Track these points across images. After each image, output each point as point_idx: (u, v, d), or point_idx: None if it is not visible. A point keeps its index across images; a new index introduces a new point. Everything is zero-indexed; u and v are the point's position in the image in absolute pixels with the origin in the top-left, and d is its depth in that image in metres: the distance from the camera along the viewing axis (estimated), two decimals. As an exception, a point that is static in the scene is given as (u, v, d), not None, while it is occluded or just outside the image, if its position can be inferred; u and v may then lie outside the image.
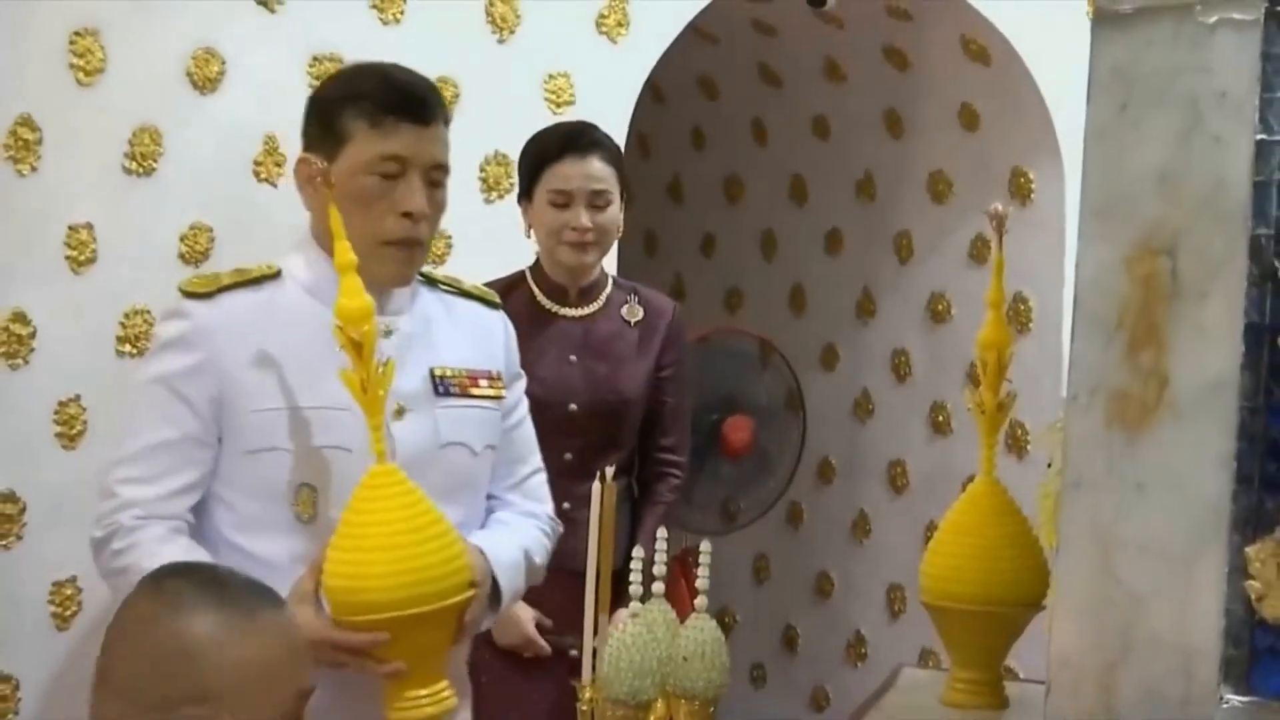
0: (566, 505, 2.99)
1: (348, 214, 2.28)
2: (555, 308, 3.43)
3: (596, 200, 3.34)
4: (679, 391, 3.56)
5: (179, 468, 2.32)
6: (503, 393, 2.56)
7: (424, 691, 2.27)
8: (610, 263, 4.00)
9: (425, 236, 2.42)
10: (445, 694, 2.29)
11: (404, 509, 2.24)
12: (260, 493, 2.34)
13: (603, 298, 3.47)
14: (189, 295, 2.37)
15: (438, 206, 2.42)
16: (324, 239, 2.35)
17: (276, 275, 2.42)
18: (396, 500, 2.24)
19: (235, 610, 1.69)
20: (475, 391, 2.51)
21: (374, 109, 2.35)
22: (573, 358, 3.41)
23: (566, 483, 3.08)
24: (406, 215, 2.36)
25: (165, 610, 1.68)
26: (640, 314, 3.49)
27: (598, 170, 3.34)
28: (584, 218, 3.32)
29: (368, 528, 2.22)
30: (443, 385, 2.47)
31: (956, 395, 4.69)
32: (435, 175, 2.40)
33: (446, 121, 2.44)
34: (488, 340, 2.59)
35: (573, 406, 3.37)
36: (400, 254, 2.39)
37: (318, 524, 2.33)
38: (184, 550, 2.25)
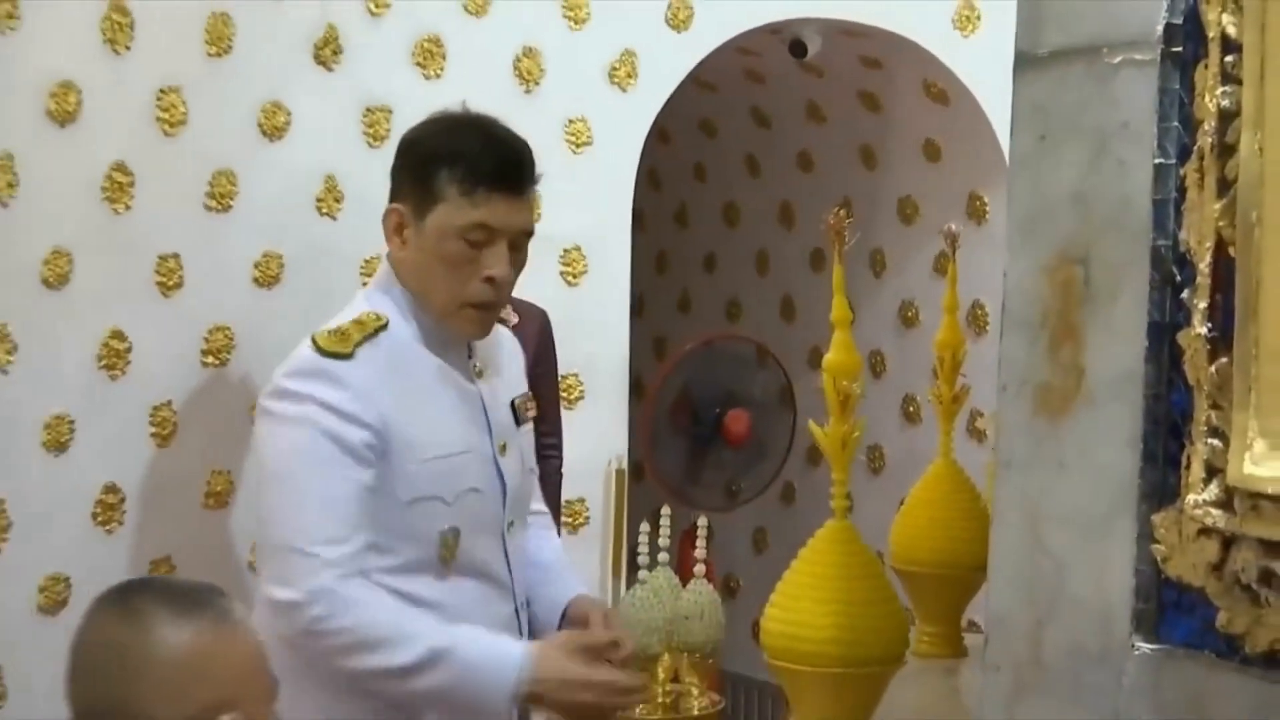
0: None
1: (432, 271, 2.07)
2: None
3: None
4: (552, 386, 3.60)
5: (365, 523, 2.01)
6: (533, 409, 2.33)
7: None
8: (625, 280, 4.02)
9: (505, 298, 2.16)
10: None
11: (873, 563, 2.02)
12: (416, 539, 2.07)
13: None
14: (330, 355, 2.04)
15: (518, 267, 2.13)
16: (417, 286, 2.10)
17: (386, 325, 2.08)
18: (864, 555, 2.04)
19: (211, 613, 1.44)
20: (531, 414, 2.28)
21: (468, 176, 2.04)
22: None
23: None
24: (489, 280, 2.08)
25: (146, 632, 1.41)
26: (515, 319, 3.40)
27: None
28: None
29: (852, 581, 2.01)
30: (518, 414, 2.23)
31: (925, 389, 4.67)
32: (520, 240, 2.11)
33: (535, 182, 2.15)
34: (514, 359, 2.32)
35: None
36: (480, 315, 2.12)
37: (456, 563, 2.11)
38: (396, 604, 2.03)
